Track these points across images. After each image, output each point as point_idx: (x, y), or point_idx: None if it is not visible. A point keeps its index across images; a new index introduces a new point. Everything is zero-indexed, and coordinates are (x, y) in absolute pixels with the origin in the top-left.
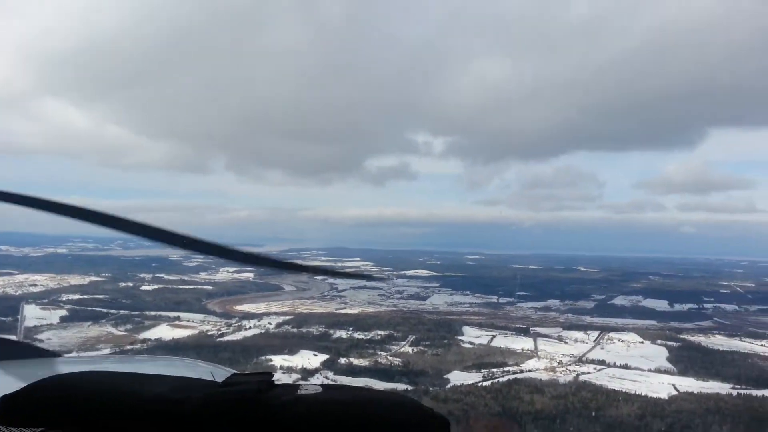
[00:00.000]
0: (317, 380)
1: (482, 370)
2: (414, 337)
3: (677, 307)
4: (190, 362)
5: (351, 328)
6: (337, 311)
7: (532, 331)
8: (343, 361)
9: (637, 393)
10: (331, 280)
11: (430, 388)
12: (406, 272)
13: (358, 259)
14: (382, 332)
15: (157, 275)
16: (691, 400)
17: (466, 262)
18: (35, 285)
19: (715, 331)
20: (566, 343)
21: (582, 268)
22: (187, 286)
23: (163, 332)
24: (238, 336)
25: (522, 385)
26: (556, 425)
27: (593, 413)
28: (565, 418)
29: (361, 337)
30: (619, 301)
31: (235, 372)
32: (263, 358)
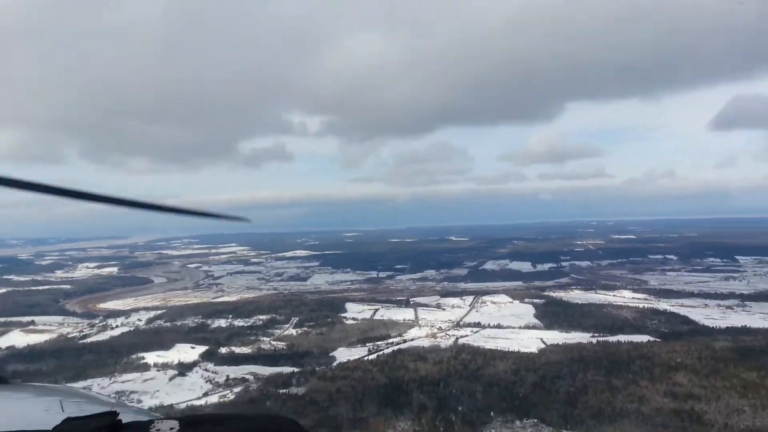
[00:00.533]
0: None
1: (367, 344)
2: (297, 318)
3: (539, 267)
4: (36, 389)
5: (230, 316)
6: (214, 300)
7: (412, 302)
8: (223, 350)
9: (511, 350)
10: (205, 268)
11: (317, 368)
12: (284, 254)
13: (233, 244)
14: (263, 317)
15: (5, 277)
16: (557, 351)
17: (344, 240)
18: None
19: (573, 287)
20: (444, 309)
21: (454, 238)
22: (41, 287)
23: (16, 339)
24: (104, 336)
25: (406, 354)
26: (440, 389)
27: (473, 373)
28: (448, 381)
29: (241, 324)
30: (489, 266)
31: (69, 416)
32: (134, 356)
